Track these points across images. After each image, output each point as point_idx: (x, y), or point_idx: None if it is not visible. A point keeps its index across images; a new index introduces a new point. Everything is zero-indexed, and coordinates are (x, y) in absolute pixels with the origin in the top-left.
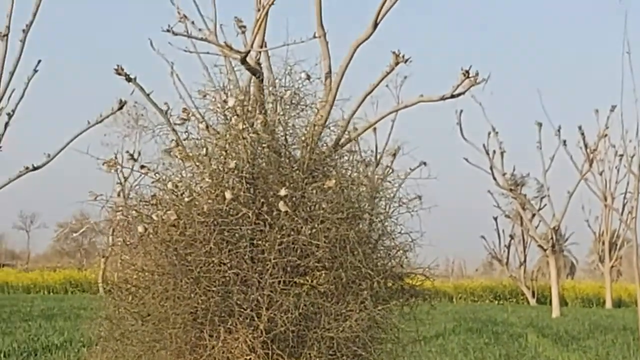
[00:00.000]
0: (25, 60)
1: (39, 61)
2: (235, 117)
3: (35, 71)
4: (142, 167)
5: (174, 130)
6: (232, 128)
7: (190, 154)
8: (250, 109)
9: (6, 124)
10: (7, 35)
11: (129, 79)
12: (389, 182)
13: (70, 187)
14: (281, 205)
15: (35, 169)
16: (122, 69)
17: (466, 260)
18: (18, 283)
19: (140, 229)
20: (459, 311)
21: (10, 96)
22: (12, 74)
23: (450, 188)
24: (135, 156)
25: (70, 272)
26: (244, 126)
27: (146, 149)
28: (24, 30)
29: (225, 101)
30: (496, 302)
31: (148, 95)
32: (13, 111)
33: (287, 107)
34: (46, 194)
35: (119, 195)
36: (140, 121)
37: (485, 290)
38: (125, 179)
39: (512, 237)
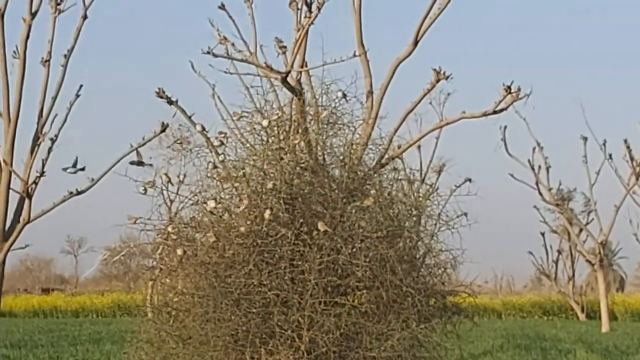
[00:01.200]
0: (67, 85)
1: (81, 86)
2: (273, 137)
3: (78, 96)
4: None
5: (212, 152)
6: (270, 149)
7: (229, 175)
8: (287, 129)
9: (49, 149)
10: (48, 60)
11: (170, 102)
12: (430, 200)
13: (116, 211)
14: (320, 226)
15: (79, 193)
16: (164, 92)
17: (514, 277)
18: (66, 307)
19: (179, 251)
20: (507, 328)
21: (53, 121)
22: (54, 99)
23: (497, 205)
24: (179, 178)
25: (118, 295)
26: (282, 146)
27: (191, 171)
28: (65, 56)
29: (259, 123)
30: (545, 317)
31: (190, 117)
32: (56, 136)
33: (325, 126)
34: (93, 218)
35: (170, 219)
36: (185, 144)
37: (534, 306)
38: (172, 201)
39: (559, 252)
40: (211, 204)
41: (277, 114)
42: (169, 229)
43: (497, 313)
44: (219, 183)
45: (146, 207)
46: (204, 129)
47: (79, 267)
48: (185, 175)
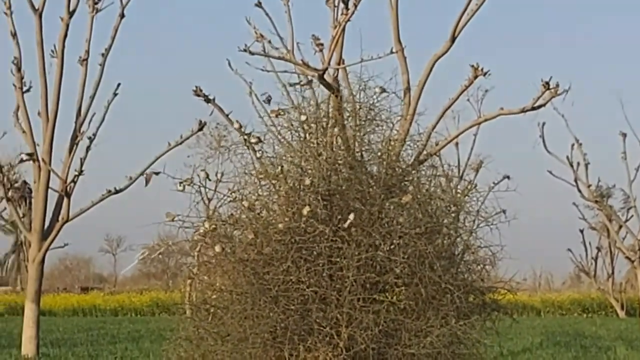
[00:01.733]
0: (104, 84)
1: (119, 84)
2: (310, 134)
3: (115, 94)
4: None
5: (249, 149)
6: (308, 145)
7: (267, 172)
8: (324, 125)
9: (88, 148)
10: (86, 59)
11: (207, 100)
12: (469, 196)
13: (154, 209)
14: (350, 216)
15: (117, 192)
16: (201, 90)
17: (553, 274)
18: (105, 306)
19: (217, 248)
20: (546, 325)
21: (91, 120)
22: (92, 98)
23: (536, 202)
24: (216, 176)
25: (156, 294)
26: (319, 143)
27: (228, 170)
28: (103, 54)
29: (297, 119)
30: (584, 315)
31: (227, 115)
32: (94, 135)
33: (363, 122)
34: (131, 217)
35: (208, 216)
36: (223, 142)
37: (573, 304)
38: (209, 199)
39: (599, 249)
40: (246, 203)
41: (315, 110)
42: (207, 225)
43: (535, 310)
44: (256, 180)
45: (183, 205)
46: (241, 126)
47: (117, 266)
48: (222, 174)
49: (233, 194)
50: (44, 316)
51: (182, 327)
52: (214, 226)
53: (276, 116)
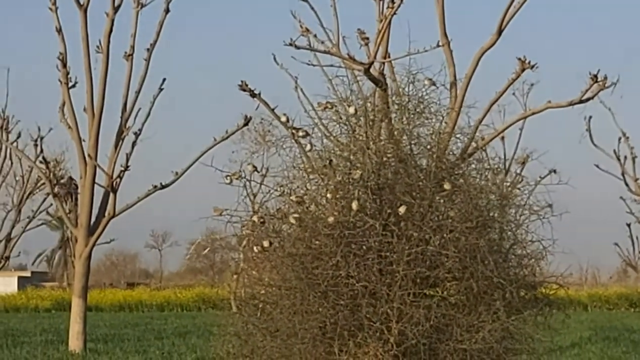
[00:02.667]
0: (150, 79)
1: (164, 79)
2: (359, 127)
3: (161, 89)
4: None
5: (297, 143)
6: (356, 138)
7: (315, 166)
8: (373, 118)
9: (133, 143)
10: (132, 55)
11: (253, 95)
12: (519, 189)
13: (200, 204)
14: (401, 209)
15: (163, 187)
16: (247, 85)
17: (600, 268)
18: (151, 301)
19: (265, 243)
20: (594, 320)
21: (136, 115)
22: (137, 93)
23: (582, 195)
24: (261, 170)
25: (202, 289)
26: (368, 136)
27: (274, 164)
28: (148, 49)
29: (345, 112)
30: (632, 309)
31: (272, 109)
32: (140, 130)
33: (412, 115)
34: (177, 212)
35: (254, 210)
36: (268, 137)
37: (620, 298)
38: (254, 194)
39: None
40: (294, 197)
41: (363, 102)
42: (255, 219)
43: (582, 305)
44: (305, 174)
45: (228, 200)
46: (288, 120)
47: (163, 262)
48: (267, 169)
49: (281, 188)
50: (90, 312)
51: (230, 322)
52: (262, 220)
53: (324, 109)
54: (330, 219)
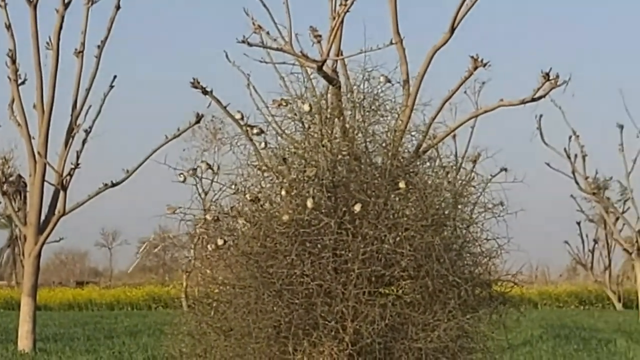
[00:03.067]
0: (101, 76)
1: (115, 76)
2: (313, 124)
3: (112, 87)
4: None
5: (251, 140)
6: (311, 136)
7: (269, 164)
8: (328, 116)
9: (84, 141)
10: (82, 51)
11: (205, 92)
12: (474, 187)
13: (150, 203)
14: (356, 207)
15: (114, 185)
16: (198, 82)
17: (550, 266)
18: (101, 300)
19: (219, 241)
20: (544, 317)
21: (87, 113)
22: (88, 90)
23: (533, 194)
24: (213, 168)
25: (152, 288)
26: (323, 134)
27: (225, 162)
28: (98, 47)
29: (300, 109)
30: (581, 307)
31: (225, 107)
32: (90, 128)
33: (367, 113)
34: (127, 210)
35: (206, 209)
36: (219, 135)
37: (570, 296)
38: (206, 192)
39: (596, 241)
40: (248, 195)
41: (317, 101)
42: (208, 217)
43: (533, 303)
44: (259, 172)
45: (180, 198)
46: (242, 117)
47: (113, 260)
48: (219, 167)
49: (235, 186)
50: (40, 311)
51: (182, 321)
52: (216, 218)
53: (278, 107)
54: (285, 217)
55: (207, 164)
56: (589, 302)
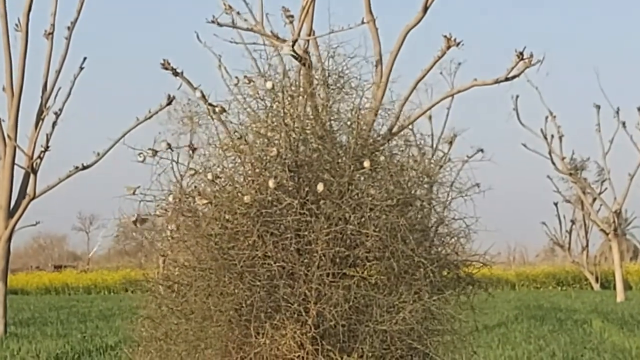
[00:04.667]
0: (71, 58)
1: (85, 58)
2: (277, 102)
3: (82, 68)
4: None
5: (213, 119)
6: (274, 114)
7: (231, 143)
8: (292, 94)
9: (54, 123)
10: (52, 33)
11: (175, 73)
12: (443, 168)
13: (122, 186)
14: (319, 186)
15: (84, 168)
16: (169, 63)
17: (527, 247)
18: (78, 284)
19: (177, 222)
20: (521, 298)
21: (57, 95)
22: (58, 72)
23: (510, 174)
24: (189, 151)
25: (129, 271)
26: (287, 112)
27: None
28: (68, 28)
29: (262, 86)
30: (559, 288)
31: (195, 88)
32: (60, 110)
33: (332, 91)
34: (103, 194)
35: (169, 192)
36: (195, 118)
37: (547, 277)
38: (182, 175)
39: (573, 222)
40: (209, 175)
41: (282, 78)
42: (170, 199)
43: (510, 284)
44: (221, 152)
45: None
46: (203, 95)
47: (90, 244)
48: (194, 149)
49: (196, 166)
50: (16, 295)
51: (143, 305)
52: (177, 199)
53: (237, 83)
54: (246, 198)
55: (168, 143)
56: (567, 282)
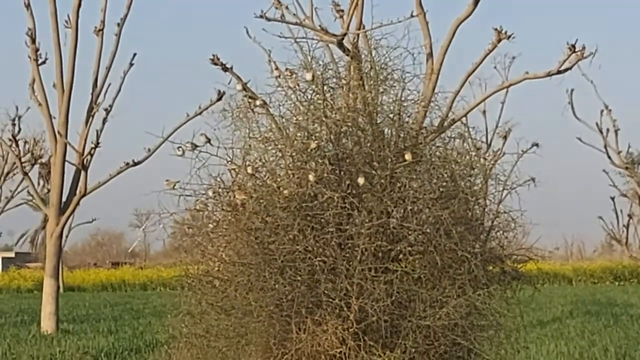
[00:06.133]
0: (121, 54)
1: (135, 54)
2: (318, 94)
3: (132, 65)
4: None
5: (253, 112)
6: (314, 106)
7: (271, 136)
8: (334, 87)
9: (104, 120)
10: (102, 30)
11: (225, 69)
12: (496, 161)
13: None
14: (360, 179)
15: (135, 164)
16: (218, 59)
17: (585, 242)
18: (134, 280)
19: (220, 216)
20: (577, 294)
21: (107, 91)
22: (108, 69)
23: (566, 169)
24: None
25: (186, 267)
26: (327, 104)
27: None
28: (118, 24)
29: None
30: (616, 283)
31: (245, 84)
32: (110, 106)
33: (375, 83)
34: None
35: (210, 186)
36: (249, 114)
37: (604, 272)
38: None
39: (630, 216)
40: (250, 169)
41: (323, 70)
42: (210, 193)
43: (567, 279)
44: (262, 145)
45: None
46: (244, 87)
47: (147, 241)
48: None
49: (236, 159)
50: (73, 292)
51: (183, 301)
52: (216, 193)
53: (279, 76)
54: (286, 192)
55: (206, 136)
56: (624, 277)
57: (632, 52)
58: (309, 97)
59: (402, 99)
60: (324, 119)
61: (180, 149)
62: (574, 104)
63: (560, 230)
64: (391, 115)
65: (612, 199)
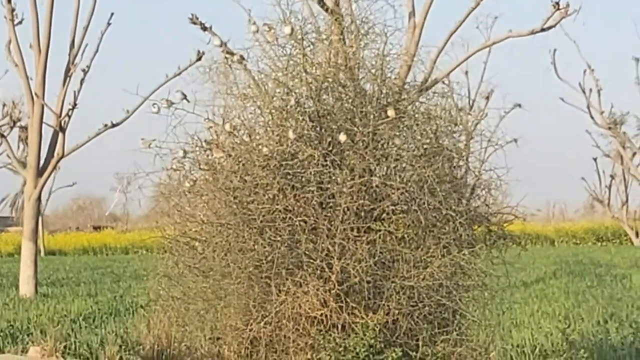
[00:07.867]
0: (98, 14)
1: (112, 14)
2: (297, 50)
3: (109, 24)
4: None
5: (231, 68)
6: (294, 62)
7: (250, 92)
8: (313, 41)
9: (82, 80)
10: None
11: (204, 28)
12: (479, 121)
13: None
14: (341, 136)
15: (114, 125)
16: (197, 18)
17: (567, 203)
18: (116, 244)
19: (195, 176)
20: (560, 254)
21: (84, 52)
22: (85, 28)
23: (548, 130)
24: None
25: (168, 230)
26: (307, 59)
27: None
28: None
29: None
30: (599, 244)
31: (224, 43)
32: (88, 67)
33: (355, 37)
34: (135, 154)
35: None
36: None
37: (587, 233)
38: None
39: (612, 177)
40: (227, 126)
41: (303, 24)
42: (187, 149)
43: (549, 240)
44: (240, 102)
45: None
46: (222, 43)
47: (128, 204)
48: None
49: (213, 116)
50: (54, 255)
51: (161, 263)
52: (193, 152)
53: (256, 31)
54: (265, 150)
55: (183, 93)
56: (606, 238)
57: (614, 9)
58: (288, 52)
59: (385, 53)
60: (303, 74)
61: (155, 105)
62: (556, 65)
63: (542, 192)
64: (373, 71)
65: (595, 159)
